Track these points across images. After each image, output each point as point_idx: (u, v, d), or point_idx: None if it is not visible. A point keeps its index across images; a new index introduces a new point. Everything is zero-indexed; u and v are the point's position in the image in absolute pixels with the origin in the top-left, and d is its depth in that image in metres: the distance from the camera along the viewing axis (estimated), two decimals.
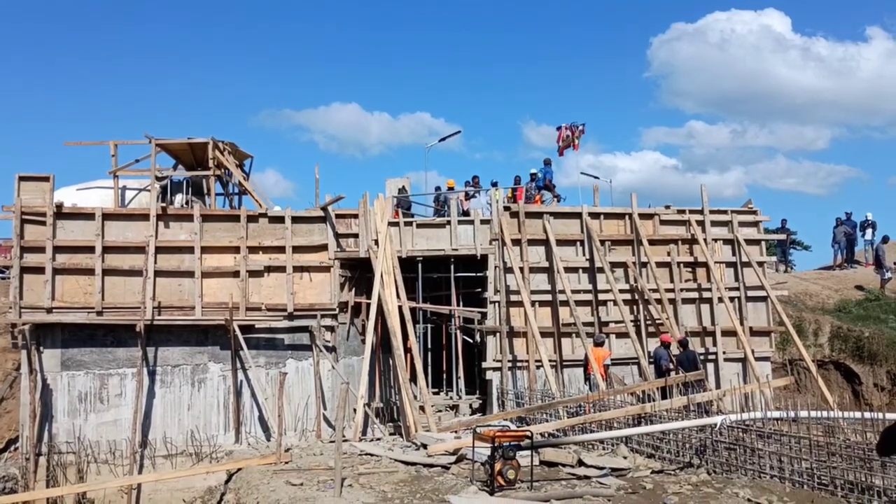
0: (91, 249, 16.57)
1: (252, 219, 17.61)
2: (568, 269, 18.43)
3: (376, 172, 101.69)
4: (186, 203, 18.84)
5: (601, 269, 18.45)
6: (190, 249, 17.11)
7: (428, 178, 23.40)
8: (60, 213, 16.58)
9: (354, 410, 15.99)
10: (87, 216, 16.75)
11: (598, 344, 16.87)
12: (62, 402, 16.27)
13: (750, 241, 19.65)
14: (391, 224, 18.06)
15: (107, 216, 16.88)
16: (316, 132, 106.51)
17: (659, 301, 18.38)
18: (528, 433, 10.88)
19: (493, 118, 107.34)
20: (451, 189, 20.90)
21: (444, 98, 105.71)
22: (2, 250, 23.59)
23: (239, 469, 13.56)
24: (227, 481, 14.04)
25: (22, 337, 16.08)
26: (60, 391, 16.26)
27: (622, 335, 18.30)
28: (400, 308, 17.02)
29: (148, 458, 16.45)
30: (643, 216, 19.46)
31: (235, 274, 17.22)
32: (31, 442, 15.68)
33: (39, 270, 16.28)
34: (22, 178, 16.51)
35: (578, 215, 19.09)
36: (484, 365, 18.27)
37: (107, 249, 16.68)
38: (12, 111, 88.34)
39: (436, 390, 19.42)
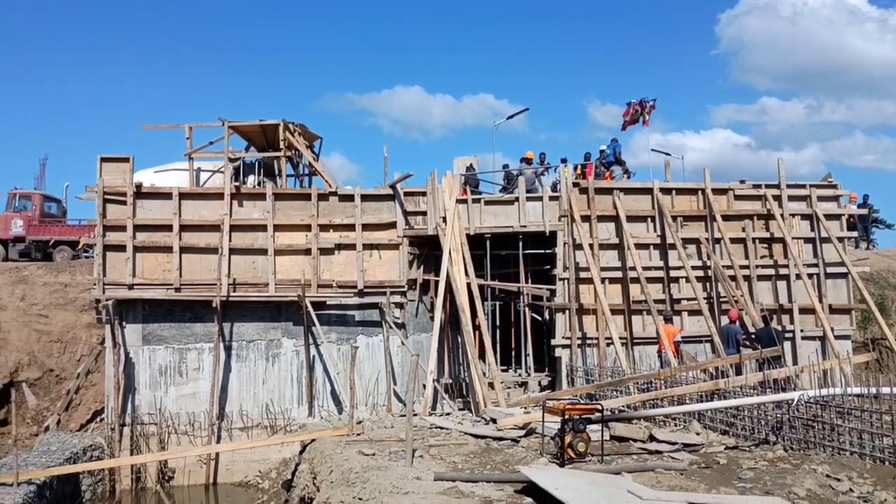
0: (169, 228, 17.08)
1: (322, 197, 17.88)
2: (638, 246, 18.17)
3: (440, 155, 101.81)
4: (258, 184, 19.25)
5: (673, 246, 18.14)
6: (263, 228, 17.49)
7: (495, 157, 23.29)
8: (140, 193, 17.13)
9: (424, 386, 16.15)
10: (165, 196, 17.26)
11: (669, 321, 16.60)
12: (144, 375, 16.88)
13: (829, 216, 19.02)
14: (459, 201, 18.08)
15: (183, 195, 17.36)
16: (379, 116, 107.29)
17: (733, 278, 17.96)
18: (599, 407, 10.81)
19: (558, 98, 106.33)
20: (528, 161, 20.71)
21: (507, 79, 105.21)
22: (86, 229, 24.48)
23: (313, 440, 13.83)
24: (301, 452, 14.37)
25: (106, 312, 16.72)
26: (142, 364, 16.87)
27: (694, 312, 17.98)
28: (468, 285, 17.07)
29: (225, 430, 16.97)
30: (717, 191, 19.03)
31: (307, 251, 17.53)
32: (116, 413, 16.33)
33: (121, 248, 16.88)
34: (103, 160, 17.11)
35: (649, 191, 18.79)
36: (553, 342, 18.20)
37: (184, 228, 17.18)
38: (95, 94, 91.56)
39: (504, 367, 19.42)
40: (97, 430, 16.94)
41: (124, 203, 16.97)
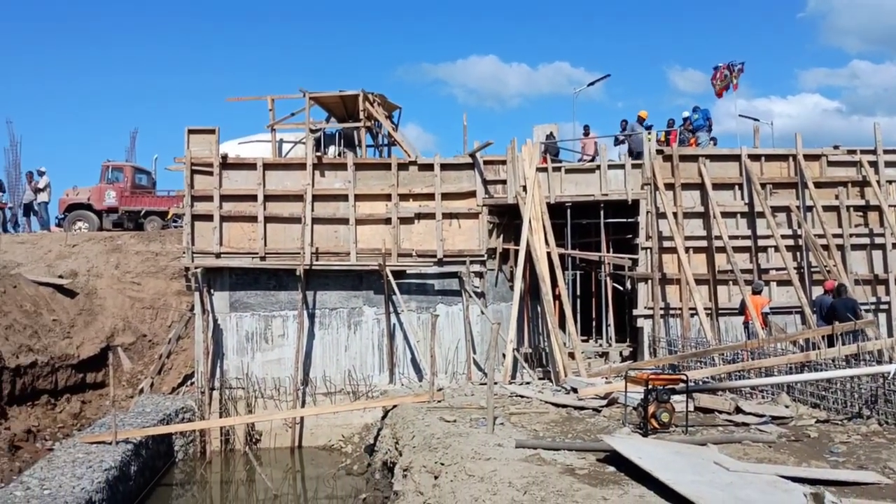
0: (253, 198, 17.45)
1: (402, 167, 17.95)
2: (725, 214, 17.65)
3: (516, 125, 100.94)
4: (339, 154, 19.46)
5: (761, 214, 17.56)
6: (344, 197, 17.69)
7: (574, 125, 22.89)
8: (225, 164, 17.53)
9: (504, 355, 16.16)
10: (250, 166, 17.61)
11: (757, 291, 16.10)
12: (231, 341, 17.39)
13: None
14: (539, 170, 17.88)
15: (267, 166, 17.68)
16: (454, 86, 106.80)
17: (825, 247, 17.30)
18: (684, 377, 10.61)
19: (636, 64, 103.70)
20: (642, 121, 20.20)
21: (583, 46, 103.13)
22: (174, 200, 25.24)
23: (394, 406, 14.06)
24: (383, 417, 14.62)
25: (195, 280, 17.26)
26: (230, 331, 17.38)
27: (784, 283, 17.43)
28: (548, 254, 16.92)
29: (309, 395, 17.39)
30: (808, 157, 18.30)
31: (387, 221, 17.66)
32: (206, 377, 16.90)
33: (208, 218, 17.34)
34: (191, 132, 17.56)
35: (737, 157, 18.21)
36: (635, 312, 17.94)
37: (268, 198, 17.51)
38: (181, 68, 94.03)
39: (585, 338, 19.24)
40: (188, 394, 17.58)
41: (211, 174, 17.40)
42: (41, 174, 25.15)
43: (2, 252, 20.57)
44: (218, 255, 17.28)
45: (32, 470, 11.60)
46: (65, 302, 18.94)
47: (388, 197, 17.73)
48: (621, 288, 19.57)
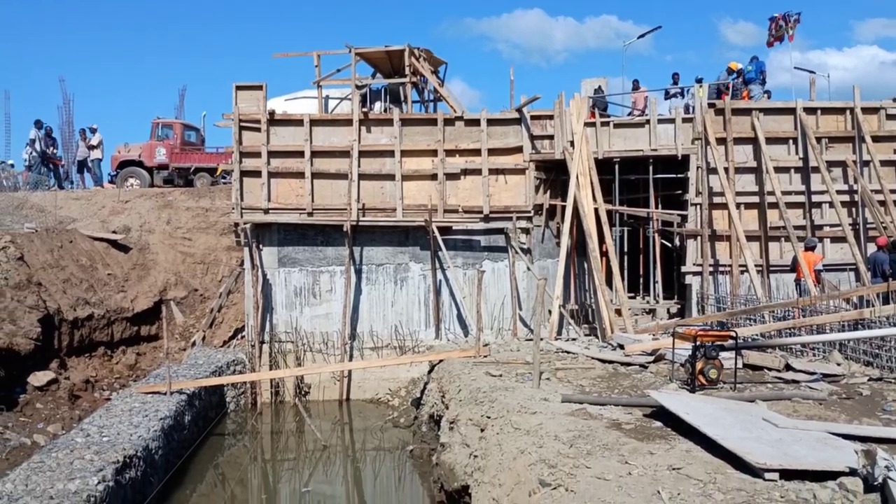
0: (301, 154, 17.54)
1: (448, 122, 17.84)
2: (778, 170, 17.24)
3: (562, 80, 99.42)
4: (385, 110, 19.42)
5: (816, 169, 17.13)
6: (390, 153, 17.69)
7: (623, 79, 22.49)
8: (273, 120, 17.62)
9: (549, 311, 16.14)
10: (297, 122, 17.68)
11: (810, 248, 15.79)
12: (280, 296, 17.66)
13: None
14: (587, 125, 17.63)
15: (314, 122, 17.73)
16: (499, 41, 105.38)
17: (882, 203, 16.84)
18: (733, 334, 10.49)
19: (686, 17, 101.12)
20: (732, 73, 19.71)
21: None
22: (223, 157, 25.52)
23: (441, 361, 14.19)
24: (429, 372, 14.79)
25: (244, 235, 17.50)
26: (278, 286, 17.64)
27: (838, 239, 17.06)
28: (596, 210, 16.78)
29: (356, 350, 17.63)
30: (866, 110, 17.73)
31: (433, 177, 17.63)
32: (256, 330, 17.23)
33: (256, 174, 17.51)
34: (238, 88, 17.66)
35: (792, 111, 17.72)
36: (683, 269, 17.73)
37: (315, 154, 17.59)
38: (228, 25, 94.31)
39: (631, 295, 19.10)
40: (238, 347, 17.96)
41: (258, 130, 17.51)
42: (93, 132, 25.62)
43: (58, 208, 21.09)
44: (266, 211, 17.47)
45: (91, 418, 12.01)
46: (119, 256, 19.40)
47: (434, 153, 17.68)
48: (669, 244, 19.33)
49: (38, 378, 14.58)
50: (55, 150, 26.59)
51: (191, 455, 13.14)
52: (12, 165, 27.82)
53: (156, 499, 10.78)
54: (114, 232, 20.01)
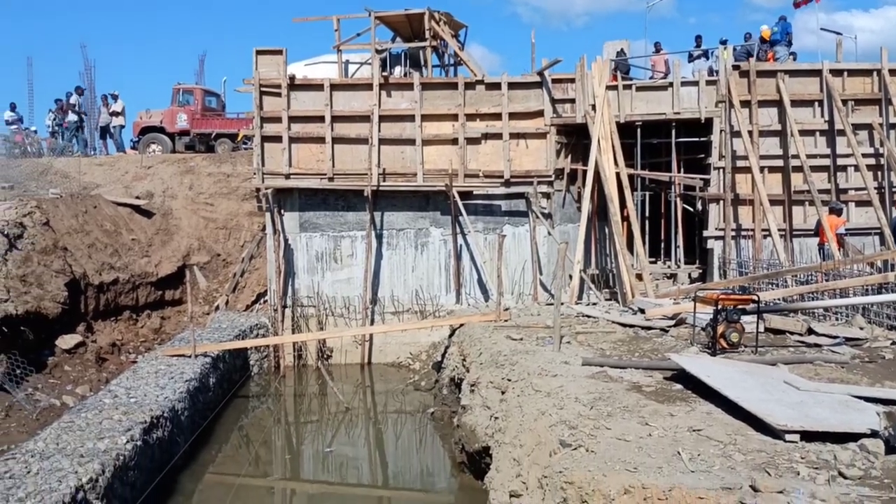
0: (321, 119, 17.53)
1: (469, 86, 17.73)
2: (803, 132, 17.00)
3: (582, 44, 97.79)
4: (405, 75, 19.32)
5: (842, 132, 16.88)
6: (411, 118, 17.63)
7: (646, 42, 22.17)
8: (293, 85, 17.59)
9: (570, 276, 16.15)
10: (317, 87, 17.64)
11: (835, 212, 15.62)
12: (302, 261, 17.78)
13: None
14: (609, 88, 17.44)
15: (334, 87, 17.68)
16: (518, 4, 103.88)
17: None
18: (755, 297, 10.45)
19: None
20: (766, 42, 19.31)
21: None
22: (244, 122, 25.53)
23: (461, 325, 14.27)
24: (450, 336, 14.88)
25: (265, 201, 17.60)
26: (300, 250, 17.75)
27: (863, 203, 16.86)
28: (617, 175, 16.68)
29: (378, 314, 17.76)
30: (894, 72, 17.37)
31: (454, 141, 17.58)
32: (278, 295, 17.38)
33: (277, 139, 17.53)
34: (259, 52, 17.62)
35: (818, 73, 17.42)
36: (705, 234, 17.63)
37: (335, 119, 17.57)
38: None
39: (653, 259, 19.03)
40: (261, 311, 18.15)
41: (279, 95, 17.49)
42: (115, 98, 25.69)
43: (81, 174, 21.26)
44: (287, 176, 17.52)
45: (119, 380, 12.23)
46: (142, 222, 19.58)
47: (454, 117, 17.60)
48: (691, 209, 19.21)
49: (66, 341, 14.85)
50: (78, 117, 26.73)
51: (216, 416, 13.37)
52: (35, 131, 28.03)
53: (182, 458, 11.00)
54: (137, 197, 20.17)
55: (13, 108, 26.73)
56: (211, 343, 14.66)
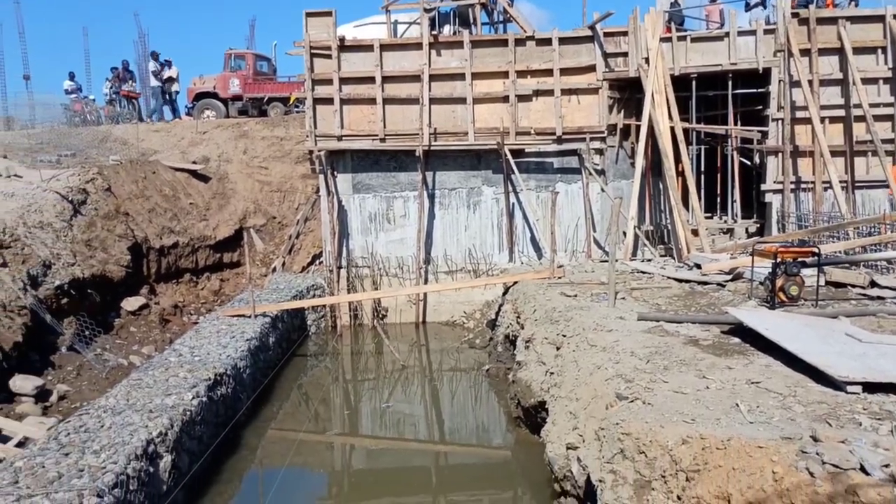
0: (371, 80, 17.54)
1: (519, 42, 17.53)
2: (865, 81, 16.46)
3: None
4: (454, 33, 19.13)
5: None
6: (461, 76, 17.53)
7: None
8: (343, 47, 17.61)
9: (624, 233, 16.02)
10: (367, 48, 17.63)
11: None
12: (355, 222, 17.96)
13: None
14: (663, 40, 17.06)
15: (384, 47, 17.64)
16: None
17: None
18: (815, 250, 10.26)
19: None
20: None
21: None
22: (295, 86, 25.68)
23: (515, 282, 14.31)
24: (504, 294, 14.94)
25: (318, 163, 17.77)
26: (353, 212, 17.92)
27: None
28: (672, 129, 16.39)
29: (431, 274, 17.90)
30: None
31: (505, 99, 17.46)
32: (333, 256, 17.63)
33: (328, 101, 17.62)
34: (308, 14, 17.64)
35: (881, 18, 16.79)
36: (763, 187, 17.27)
37: (385, 79, 17.56)
38: None
39: (709, 215, 18.71)
40: (317, 272, 18.43)
41: (329, 57, 17.53)
42: (169, 64, 26.06)
43: (139, 140, 21.71)
44: (339, 138, 17.64)
45: (182, 339, 12.61)
46: (199, 186, 19.97)
47: (505, 74, 17.45)
48: (748, 162, 18.81)
49: (131, 303, 15.34)
50: (133, 84, 27.24)
51: (276, 375, 13.70)
52: (93, 100, 28.62)
53: (245, 415, 11.33)
54: (193, 162, 20.55)
55: (72, 77, 27.34)
56: (269, 303, 14.97)
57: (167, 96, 26.30)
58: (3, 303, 11.61)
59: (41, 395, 10.87)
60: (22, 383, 10.79)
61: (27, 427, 9.46)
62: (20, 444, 8.85)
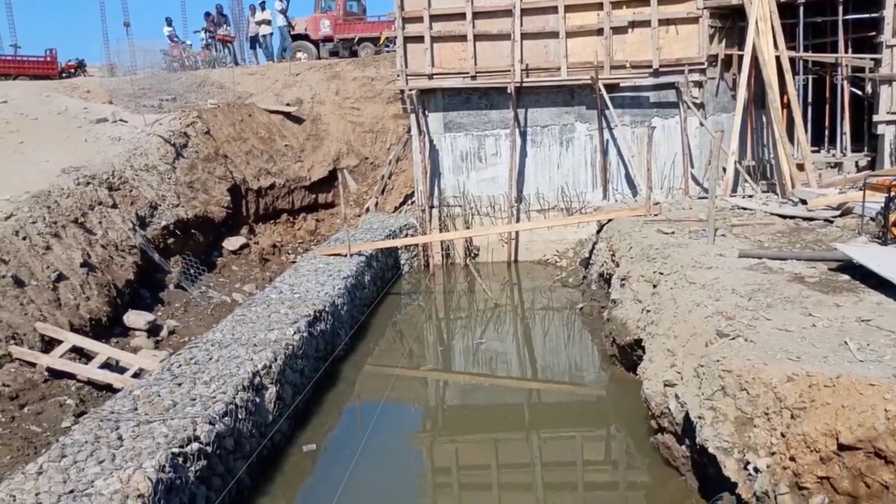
0: (462, 16, 17.26)
1: None
2: None
3: None
4: None
5: None
6: (553, 9, 17.05)
7: None
8: None
9: (724, 168, 15.48)
10: None
11: None
12: (447, 161, 17.93)
13: None
14: None
15: None
16: None
17: None
18: None
19: None
20: None
21: None
22: (384, 25, 25.56)
23: (609, 220, 14.08)
24: (598, 231, 14.73)
25: (409, 102, 17.73)
26: (445, 151, 17.88)
27: None
28: (777, 58, 15.60)
29: (523, 212, 17.77)
30: None
31: (599, 32, 16.92)
32: (425, 195, 17.69)
33: (419, 40, 17.46)
34: None
35: None
36: (875, 118, 16.28)
37: (476, 15, 17.25)
38: None
39: (815, 148, 17.81)
40: (409, 212, 18.57)
41: None
42: (262, 7, 26.31)
43: (235, 84, 22.13)
44: (430, 77, 17.51)
45: (282, 277, 12.99)
46: (293, 128, 20.26)
47: (599, 6, 16.87)
48: (860, 92, 17.71)
49: (232, 243, 15.87)
50: (228, 28, 27.66)
51: (371, 312, 13.99)
52: (190, 45, 29.26)
53: (343, 350, 11.64)
54: (287, 105, 20.83)
55: (169, 22, 28.04)
56: (364, 243, 15.20)
57: (259, 40, 26.60)
58: (115, 242, 12.19)
59: (152, 329, 11.44)
60: (135, 318, 11.39)
61: (142, 359, 10.00)
62: (136, 375, 9.38)
